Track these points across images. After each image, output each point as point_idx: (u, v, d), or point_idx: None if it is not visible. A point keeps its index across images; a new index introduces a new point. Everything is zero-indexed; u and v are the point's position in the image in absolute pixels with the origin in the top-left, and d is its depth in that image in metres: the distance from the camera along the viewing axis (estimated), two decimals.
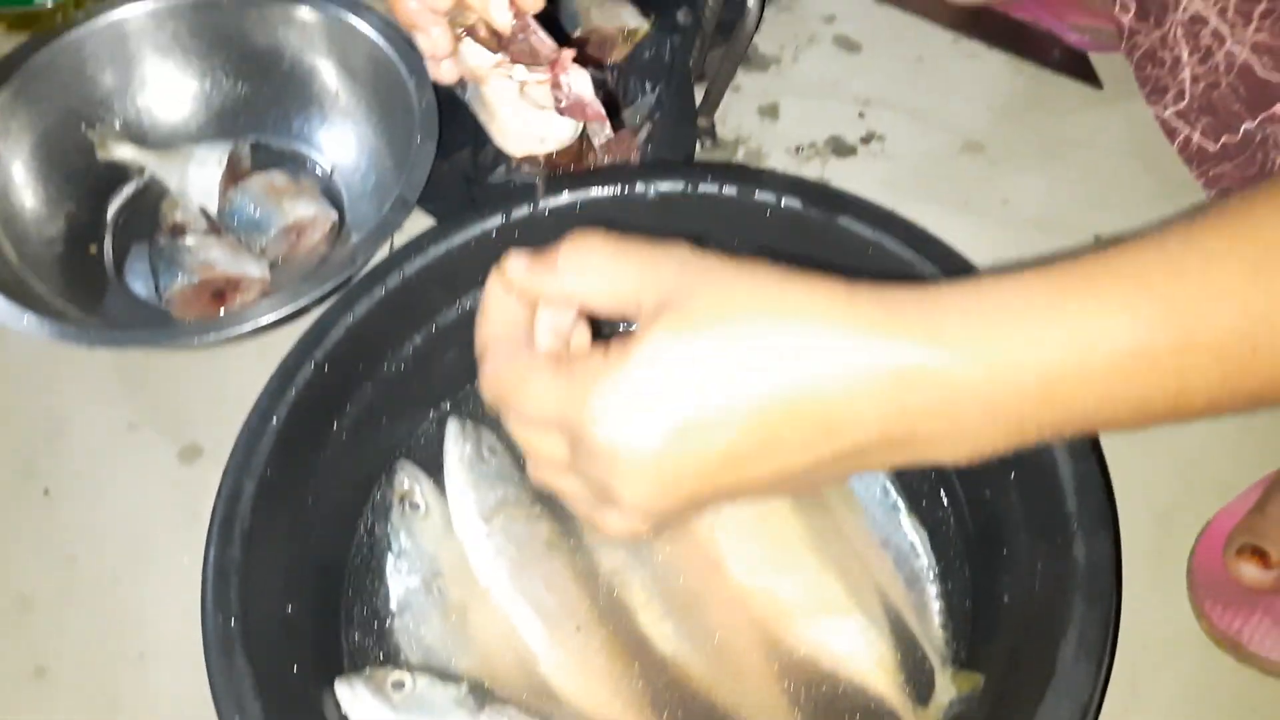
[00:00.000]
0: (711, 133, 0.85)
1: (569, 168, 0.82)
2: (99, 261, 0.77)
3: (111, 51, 0.79)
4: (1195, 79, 0.65)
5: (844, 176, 0.84)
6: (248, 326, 0.66)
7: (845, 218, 0.61)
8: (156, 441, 0.70)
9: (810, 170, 0.84)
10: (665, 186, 0.63)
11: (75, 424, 0.71)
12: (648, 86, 0.84)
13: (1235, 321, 0.37)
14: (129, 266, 0.77)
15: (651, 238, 0.41)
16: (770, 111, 0.87)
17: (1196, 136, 0.66)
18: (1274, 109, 0.62)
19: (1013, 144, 0.85)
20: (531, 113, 0.62)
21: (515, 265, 0.43)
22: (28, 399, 0.72)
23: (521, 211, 0.63)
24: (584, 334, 0.45)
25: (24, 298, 0.68)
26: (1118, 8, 0.68)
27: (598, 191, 0.64)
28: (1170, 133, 0.68)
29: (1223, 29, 0.62)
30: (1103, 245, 0.39)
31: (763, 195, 0.62)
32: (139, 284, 0.77)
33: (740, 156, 0.85)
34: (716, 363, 0.37)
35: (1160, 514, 0.67)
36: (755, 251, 0.48)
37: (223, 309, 0.74)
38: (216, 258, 0.74)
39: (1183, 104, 0.66)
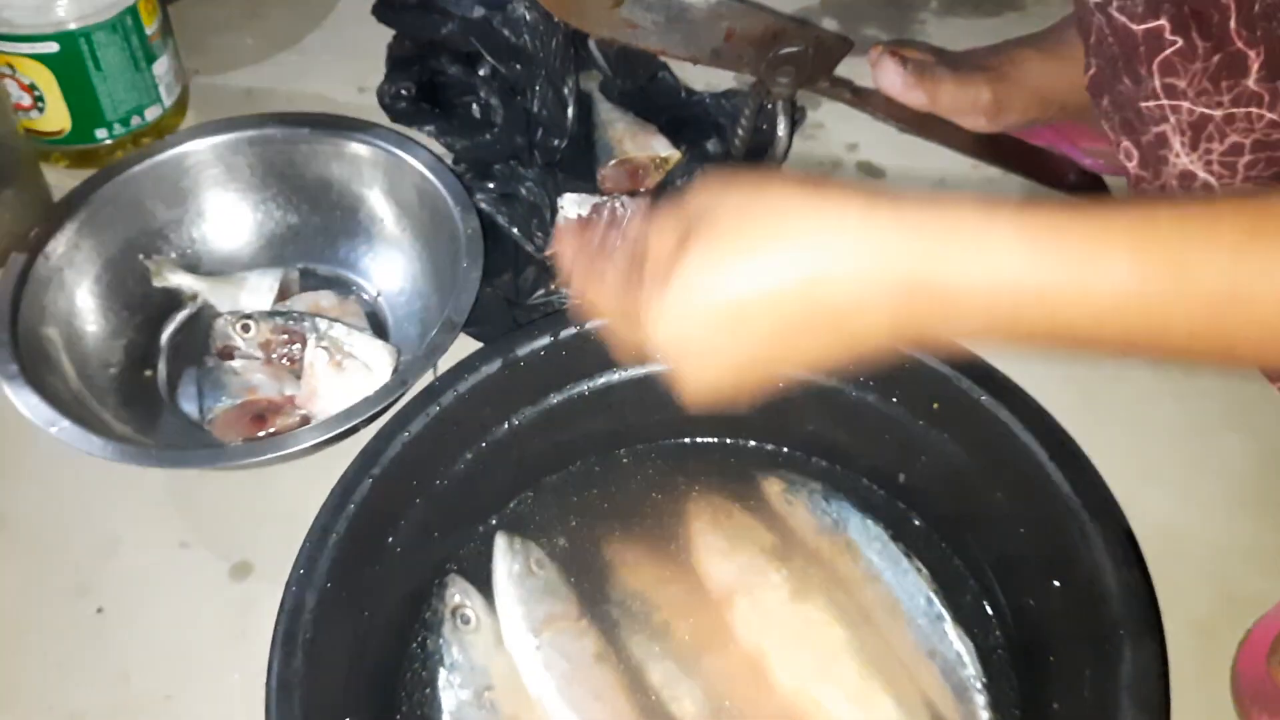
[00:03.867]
0: None
1: None
2: (153, 384, 0.80)
3: (170, 185, 0.83)
4: None
5: None
6: (301, 446, 0.68)
7: None
8: (208, 559, 0.71)
9: None
10: None
11: (128, 543, 0.72)
12: None
13: (1225, 275, 0.41)
14: (181, 389, 0.80)
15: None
16: None
17: None
18: None
19: None
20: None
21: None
22: (82, 518, 0.73)
23: (568, 332, 0.65)
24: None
25: (85, 420, 0.70)
26: (1122, 155, 0.70)
27: None
28: None
29: (1211, 181, 0.64)
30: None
31: None
32: (190, 405, 0.79)
33: None
34: (743, 269, 0.45)
35: (1201, 623, 0.67)
36: None
37: (262, 431, 0.76)
38: (259, 381, 0.76)
39: None
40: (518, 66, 0.88)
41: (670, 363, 0.49)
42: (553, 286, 0.86)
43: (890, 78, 0.85)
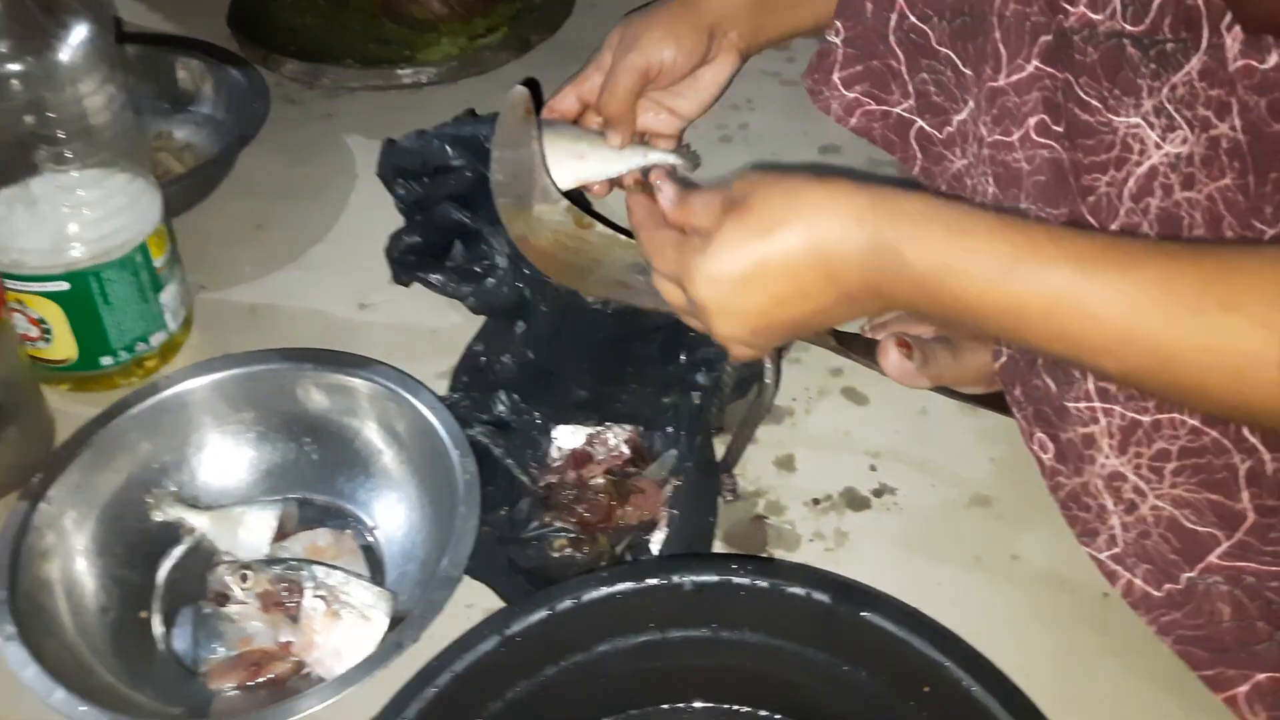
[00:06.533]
0: (733, 487, 0.90)
1: (599, 524, 0.87)
2: (147, 626, 0.80)
3: (172, 422, 0.85)
4: (1125, 527, 0.65)
5: (860, 530, 0.88)
6: (296, 718, 0.68)
7: (871, 614, 0.65)
8: None
9: (828, 523, 0.88)
10: (701, 579, 0.67)
11: None
12: (671, 444, 0.89)
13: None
14: (176, 629, 0.80)
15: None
16: (786, 464, 0.93)
17: (1138, 582, 0.66)
18: (1209, 559, 0.62)
19: (1017, 498, 0.90)
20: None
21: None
22: None
23: (565, 604, 0.66)
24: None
25: (77, 673, 0.70)
26: (1036, 445, 0.69)
27: (634, 584, 0.67)
28: (1109, 575, 0.68)
29: (1141, 484, 0.63)
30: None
31: (794, 589, 0.66)
32: (184, 646, 0.79)
33: (760, 508, 0.89)
34: (765, 251, 0.60)
35: None
36: None
37: (255, 678, 0.76)
38: (255, 629, 0.77)
39: (1117, 549, 0.67)
40: None
41: (705, 318, 0.64)
42: (546, 520, 0.87)
43: (895, 368, 0.87)
